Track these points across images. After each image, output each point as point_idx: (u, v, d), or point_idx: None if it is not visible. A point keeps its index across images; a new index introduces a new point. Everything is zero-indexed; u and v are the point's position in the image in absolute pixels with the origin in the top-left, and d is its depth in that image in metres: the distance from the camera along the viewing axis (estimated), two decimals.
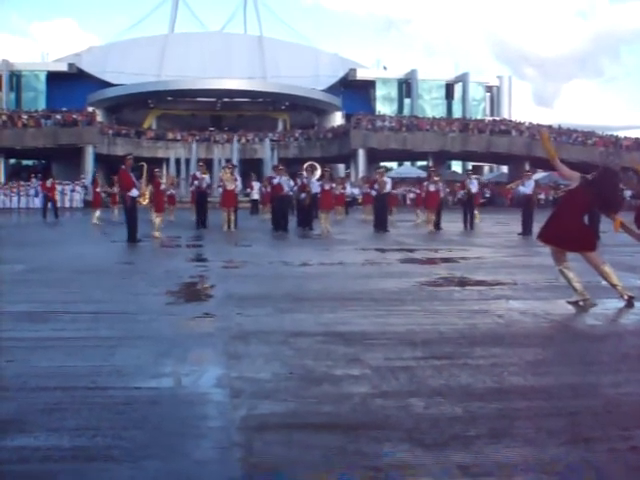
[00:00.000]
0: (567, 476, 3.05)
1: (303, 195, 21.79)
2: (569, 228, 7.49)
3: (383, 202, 21.56)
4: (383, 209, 21.46)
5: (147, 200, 16.35)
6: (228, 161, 25.15)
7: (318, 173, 26.88)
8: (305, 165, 27.84)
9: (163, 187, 18.67)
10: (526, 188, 19.76)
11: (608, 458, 3.25)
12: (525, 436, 3.51)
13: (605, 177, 7.51)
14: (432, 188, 22.27)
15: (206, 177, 22.95)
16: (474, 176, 25.74)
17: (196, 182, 22.82)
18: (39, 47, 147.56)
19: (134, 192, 16.18)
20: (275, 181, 21.19)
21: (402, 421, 3.71)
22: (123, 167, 16.47)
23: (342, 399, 4.09)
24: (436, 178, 22.81)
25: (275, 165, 24.98)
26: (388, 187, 21.77)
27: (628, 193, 32.65)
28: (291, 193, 22.29)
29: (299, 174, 23.35)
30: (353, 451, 3.29)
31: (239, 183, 22.88)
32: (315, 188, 21.85)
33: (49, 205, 29.81)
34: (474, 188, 22.95)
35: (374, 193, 21.94)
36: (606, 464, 3.18)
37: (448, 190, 24.68)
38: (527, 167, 53.21)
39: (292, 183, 22.27)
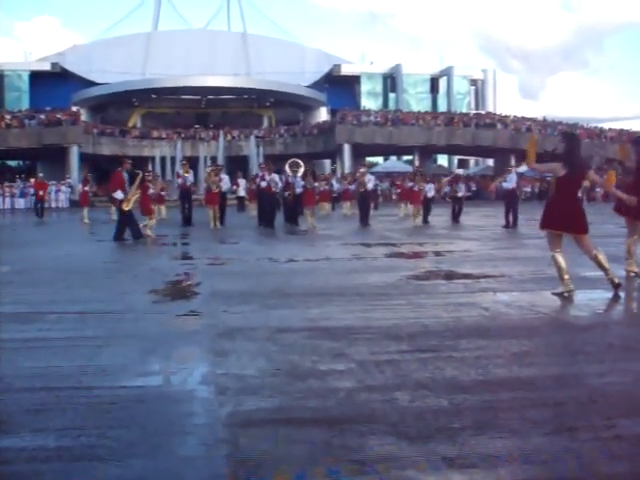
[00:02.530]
0: (552, 466, 3.07)
1: (287, 193, 21.94)
2: (563, 208, 7.61)
3: (365, 199, 21.85)
4: (366, 205, 21.74)
5: (130, 206, 16.41)
6: (214, 161, 24.90)
7: (302, 170, 26.85)
8: (288, 162, 27.70)
9: (151, 192, 18.58)
10: (509, 183, 20.00)
11: (592, 447, 3.27)
12: (510, 427, 3.53)
13: (567, 140, 7.81)
14: (416, 188, 22.48)
15: (189, 176, 22.86)
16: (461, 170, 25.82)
17: (179, 180, 22.81)
18: (22, 46, 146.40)
19: (118, 194, 16.46)
20: (263, 184, 21.20)
21: (387, 414, 3.72)
22: (120, 169, 16.97)
23: (327, 394, 4.10)
24: (423, 184, 22.85)
25: (265, 163, 24.79)
26: (370, 185, 21.96)
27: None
28: (277, 191, 22.36)
29: (283, 171, 23.37)
30: (339, 445, 3.30)
31: (226, 181, 22.84)
32: (299, 187, 21.87)
33: (39, 205, 29.57)
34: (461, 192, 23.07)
35: (352, 188, 22.14)
36: (590, 453, 3.20)
37: (436, 191, 24.29)
38: (512, 160, 53.55)
39: (280, 183, 22.36)
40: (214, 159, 24.65)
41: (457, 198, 22.48)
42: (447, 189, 24.67)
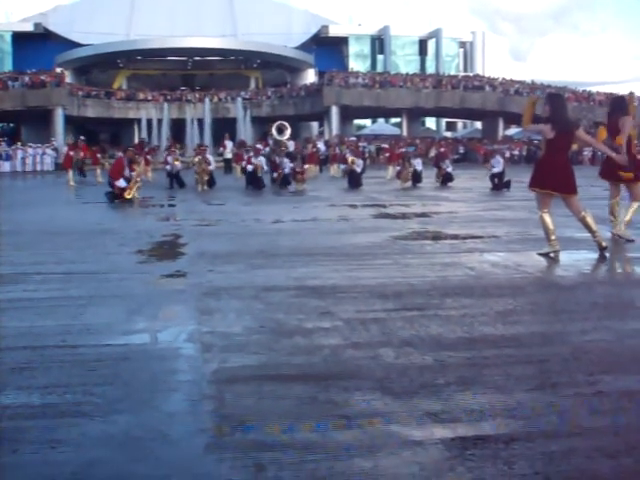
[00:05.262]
0: (535, 420, 3.09)
1: (275, 174, 22.08)
2: (552, 168, 7.58)
3: (355, 174, 22.35)
4: (356, 176, 22.18)
5: (131, 195, 16.56)
6: (200, 146, 24.40)
7: (288, 133, 26.70)
8: (275, 125, 27.51)
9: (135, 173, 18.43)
10: (497, 167, 20.51)
11: (575, 402, 3.30)
12: (494, 383, 3.55)
13: (552, 101, 7.73)
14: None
15: (178, 164, 22.55)
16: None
17: (168, 167, 22.64)
18: (2, 7, 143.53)
19: (121, 182, 16.83)
20: (250, 168, 21.42)
21: (372, 371, 3.73)
22: (122, 155, 18.02)
23: (313, 351, 4.11)
24: (415, 160, 23.06)
25: (254, 146, 24.38)
26: (358, 170, 22.45)
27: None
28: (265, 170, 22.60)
29: (269, 135, 23.29)
30: (324, 401, 3.32)
31: (212, 161, 22.67)
32: (287, 168, 21.89)
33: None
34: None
35: (343, 167, 22.98)
36: (573, 408, 3.22)
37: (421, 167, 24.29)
38: (500, 122, 53.40)
39: (267, 166, 22.53)
40: (201, 146, 23.98)
41: (446, 172, 22.71)
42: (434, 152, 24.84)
